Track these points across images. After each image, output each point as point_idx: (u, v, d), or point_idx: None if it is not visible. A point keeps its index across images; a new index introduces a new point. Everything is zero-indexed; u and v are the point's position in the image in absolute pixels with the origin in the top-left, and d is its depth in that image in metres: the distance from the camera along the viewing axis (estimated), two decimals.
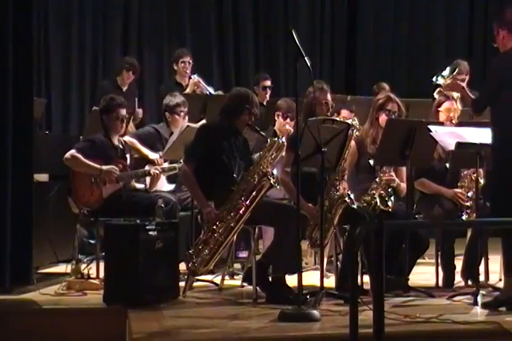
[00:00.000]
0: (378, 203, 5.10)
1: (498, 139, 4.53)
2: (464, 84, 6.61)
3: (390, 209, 5.11)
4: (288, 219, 4.59)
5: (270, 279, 4.81)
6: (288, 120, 5.94)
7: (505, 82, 4.50)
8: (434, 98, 5.82)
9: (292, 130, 5.77)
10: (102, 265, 5.00)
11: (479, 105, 4.66)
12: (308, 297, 4.55)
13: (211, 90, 7.24)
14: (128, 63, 7.51)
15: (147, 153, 5.90)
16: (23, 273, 5.11)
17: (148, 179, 5.68)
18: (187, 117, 6.12)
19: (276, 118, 6.02)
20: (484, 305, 4.50)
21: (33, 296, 4.85)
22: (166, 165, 5.81)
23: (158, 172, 5.53)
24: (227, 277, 5.34)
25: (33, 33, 5.35)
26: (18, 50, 5.09)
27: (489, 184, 4.74)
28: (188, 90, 7.16)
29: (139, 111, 7.45)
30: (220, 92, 7.28)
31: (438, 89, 6.43)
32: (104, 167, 5.36)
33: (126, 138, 5.95)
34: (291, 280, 4.67)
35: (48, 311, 4.51)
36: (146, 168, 5.72)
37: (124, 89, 7.49)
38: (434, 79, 6.21)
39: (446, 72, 6.21)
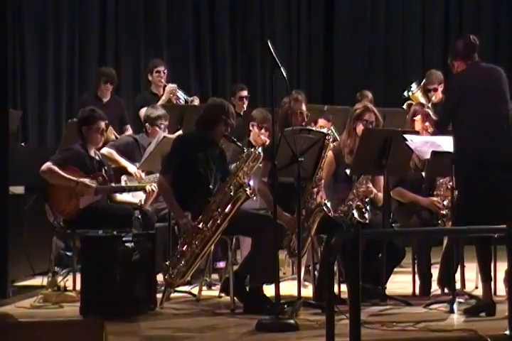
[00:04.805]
0: (355, 215, 5.13)
1: (463, 147, 4.63)
2: (439, 94, 6.74)
3: (366, 221, 5.14)
4: (265, 229, 4.59)
5: (248, 289, 4.81)
6: (263, 130, 5.95)
7: (464, 94, 4.64)
8: (403, 109, 5.92)
9: (267, 140, 5.79)
10: (78, 277, 4.97)
11: (443, 123, 4.80)
12: (285, 307, 4.55)
13: (186, 97, 7.21)
14: (104, 74, 7.40)
15: (125, 165, 5.88)
16: None
17: (130, 194, 5.65)
18: (166, 129, 6.13)
19: (251, 128, 6.03)
20: (465, 311, 4.56)
21: (8, 309, 4.81)
22: (144, 177, 5.80)
23: (154, 189, 5.41)
24: (204, 288, 5.32)
25: (8, 44, 5.33)
26: None
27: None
28: (163, 98, 7.13)
29: (128, 128, 7.25)
30: (195, 98, 7.26)
31: (408, 102, 6.61)
32: (81, 179, 5.32)
33: (104, 149, 5.93)
34: (269, 290, 4.66)
35: (24, 324, 4.46)
36: (133, 179, 5.70)
37: (105, 100, 7.43)
38: (405, 93, 6.38)
39: (414, 86, 6.41)
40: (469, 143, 4.61)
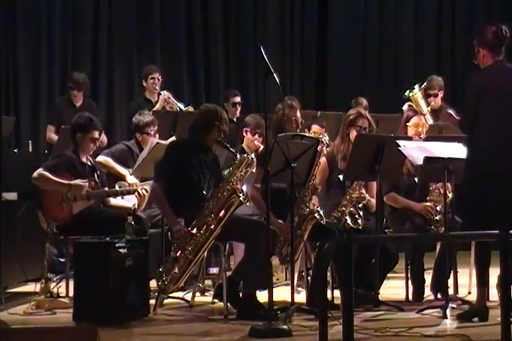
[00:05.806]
0: (348, 221, 5.13)
1: (476, 152, 4.54)
2: (439, 100, 6.76)
3: (360, 227, 5.14)
4: (258, 234, 4.60)
5: (241, 295, 4.80)
6: (256, 136, 5.96)
7: (485, 96, 4.52)
8: (403, 111, 5.90)
9: (261, 146, 5.79)
10: (71, 283, 4.96)
11: (467, 124, 4.63)
12: (279, 312, 4.55)
13: (181, 106, 7.21)
14: (71, 81, 7.42)
15: (124, 173, 5.87)
16: None
17: (124, 198, 5.64)
18: (157, 135, 6.13)
19: (244, 134, 6.04)
20: (458, 317, 4.56)
21: (1, 316, 4.78)
22: (139, 184, 5.79)
23: (145, 193, 5.41)
24: (198, 294, 5.32)
25: (0, 51, 5.32)
26: None
27: (460, 197, 4.77)
28: (157, 106, 7.14)
29: (104, 140, 7.03)
30: (190, 108, 7.26)
31: (407, 104, 6.55)
32: (73, 181, 5.31)
33: (101, 157, 5.93)
34: (262, 296, 4.67)
35: (17, 331, 4.44)
36: (127, 186, 5.70)
37: (78, 105, 7.40)
38: (406, 93, 6.32)
39: (416, 87, 6.35)
40: (489, 147, 4.47)
